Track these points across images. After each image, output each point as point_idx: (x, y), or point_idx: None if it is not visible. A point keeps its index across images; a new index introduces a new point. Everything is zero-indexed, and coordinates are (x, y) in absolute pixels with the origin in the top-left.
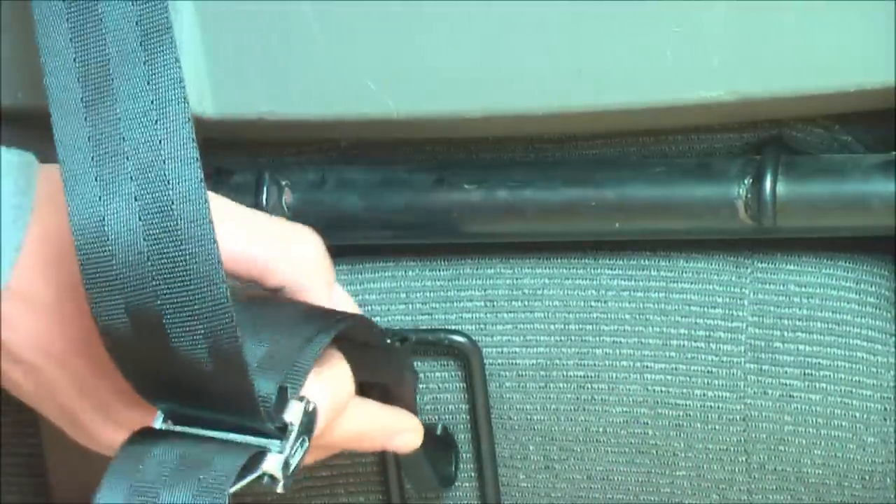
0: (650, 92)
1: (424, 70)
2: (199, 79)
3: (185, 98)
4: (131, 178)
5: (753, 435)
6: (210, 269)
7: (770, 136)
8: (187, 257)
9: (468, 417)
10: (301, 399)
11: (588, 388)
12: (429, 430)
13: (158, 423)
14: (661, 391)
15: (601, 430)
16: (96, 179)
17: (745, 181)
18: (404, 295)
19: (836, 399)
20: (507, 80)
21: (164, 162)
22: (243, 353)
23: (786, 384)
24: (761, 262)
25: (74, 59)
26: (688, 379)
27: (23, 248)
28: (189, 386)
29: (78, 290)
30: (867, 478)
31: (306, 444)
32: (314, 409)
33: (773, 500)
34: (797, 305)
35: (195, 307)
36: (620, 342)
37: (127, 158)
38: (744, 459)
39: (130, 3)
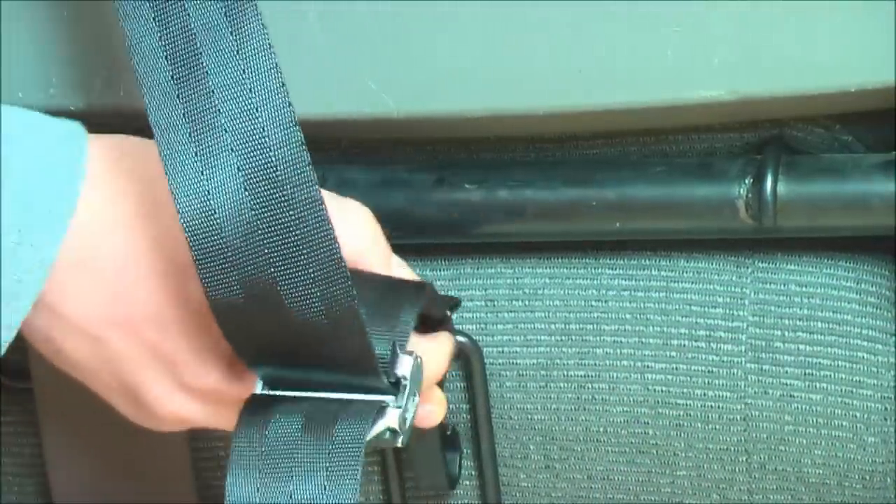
0: (651, 91)
1: (425, 70)
2: None
3: (275, 64)
4: (231, 149)
5: (754, 435)
6: (322, 230)
7: (771, 135)
8: (298, 221)
9: (469, 417)
10: (410, 353)
11: (589, 388)
12: (441, 427)
13: (258, 389)
14: (662, 391)
15: (602, 429)
16: (196, 155)
17: (746, 181)
18: None
19: (836, 399)
20: (508, 80)
21: (263, 129)
22: (360, 312)
23: (786, 384)
24: (762, 262)
25: (160, 39)
26: (688, 379)
27: (78, 216)
28: (301, 348)
29: (143, 256)
30: (868, 478)
31: (417, 398)
32: (421, 363)
33: (774, 500)
34: (798, 305)
35: (310, 271)
36: (621, 342)
37: (225, 130)
38: (744, 459)
39: None
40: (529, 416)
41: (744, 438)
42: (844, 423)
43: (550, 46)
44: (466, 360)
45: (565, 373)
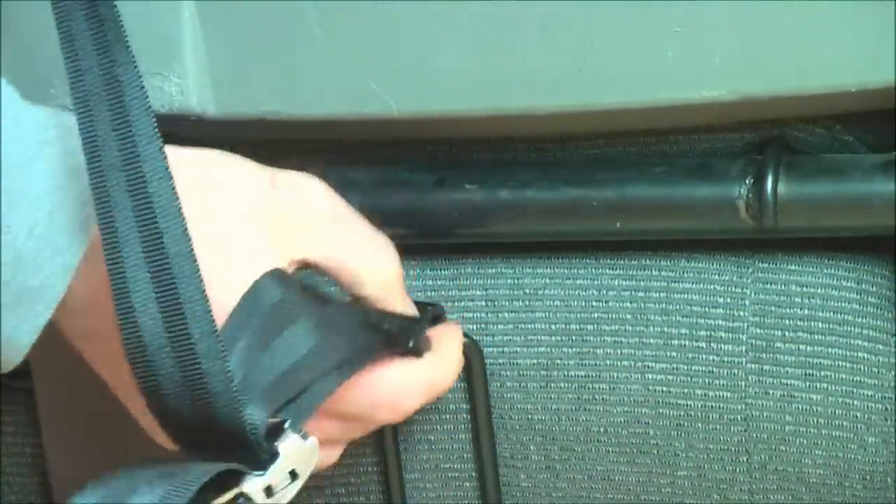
0: (651, 91)
1: (426, 70)
2: (201, 79)
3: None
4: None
5: (754, 435)
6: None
7: (771, 135)
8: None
9: (469, 417)
10: (300, 432)
11: (589, 388)
12: None
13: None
14: (662, 391)
15: (602, 429)
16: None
17: (747, 181)
18: None
19: (837, 399)
20: (509, 80)
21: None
22: (235, 393)
23: (787, 384)
24: (762, 262)
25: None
26: (689, 379)
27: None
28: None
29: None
30: (868, 478)
31: (299, 478)
32: (312, 445)
33: (774, 501)
34: (798, 305)
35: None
36: (621, 342)
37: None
38: (745, 459)
39: None
40: (530, 417)
41: (744, 438)
42: (845, 424)
43: (550, 46)
44: (466, 360)
45: (566, 373)
